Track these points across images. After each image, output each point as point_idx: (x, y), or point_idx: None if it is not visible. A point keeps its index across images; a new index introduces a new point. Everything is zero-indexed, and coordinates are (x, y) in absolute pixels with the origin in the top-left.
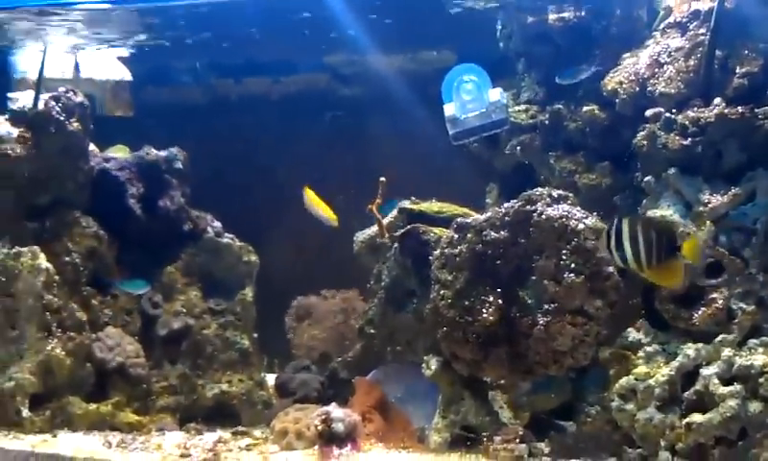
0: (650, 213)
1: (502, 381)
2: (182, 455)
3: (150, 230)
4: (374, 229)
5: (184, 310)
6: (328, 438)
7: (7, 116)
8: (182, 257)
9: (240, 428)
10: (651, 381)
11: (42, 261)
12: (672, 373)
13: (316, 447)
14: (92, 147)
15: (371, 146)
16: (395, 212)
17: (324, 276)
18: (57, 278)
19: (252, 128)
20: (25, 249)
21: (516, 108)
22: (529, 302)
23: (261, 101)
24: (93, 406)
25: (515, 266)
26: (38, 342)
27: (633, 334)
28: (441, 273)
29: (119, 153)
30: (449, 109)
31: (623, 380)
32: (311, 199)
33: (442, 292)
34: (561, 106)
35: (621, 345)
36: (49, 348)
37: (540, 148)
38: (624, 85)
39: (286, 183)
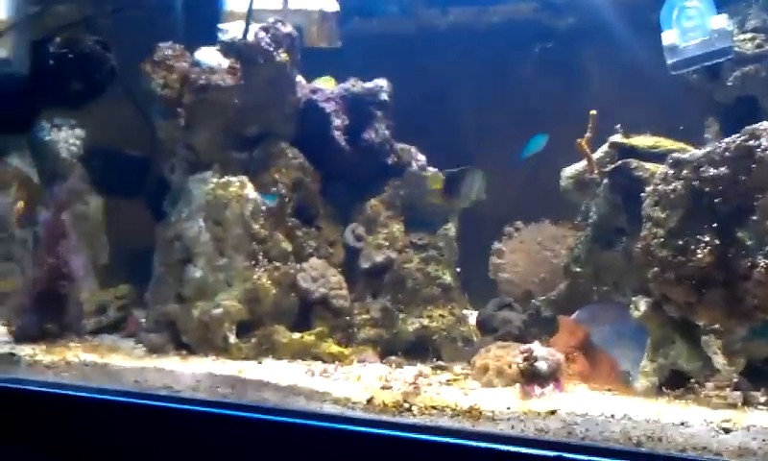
0: None
1: (716, 325)
2: (383, 387)
3: (354, 163)
4: (582, 164)
5: (387, 244)
6: (530, 376)
7: (218, 47)
8: (386, 190)
9: (440, 363)
10: None
11: (250, 191)
12: None
13: (517, 385)
14: (299, 78)
15: (582, 79)
16: (605, 147)
17: (530, 213)
18: (263, 208)
19: (459, 59)
20: (234, 178)
21: (741, 36)
22: (749, 243)
23: (468, 31)
24: (297, 336)
25: (734, 205)
26: (245, 271)
27: None
28: (653, 210)
29: (326, 84)
30: (669, 38)
31: None
32: None
33: (654, 230)
34: None
35: None
36: (255, 276)
37: (766, 80)
38: None
39: (492, 116)
